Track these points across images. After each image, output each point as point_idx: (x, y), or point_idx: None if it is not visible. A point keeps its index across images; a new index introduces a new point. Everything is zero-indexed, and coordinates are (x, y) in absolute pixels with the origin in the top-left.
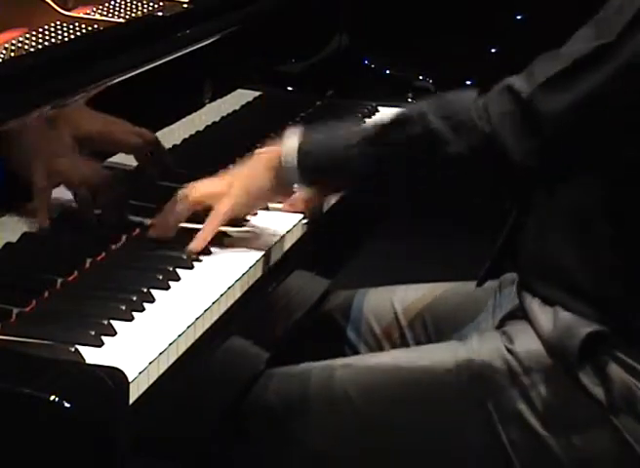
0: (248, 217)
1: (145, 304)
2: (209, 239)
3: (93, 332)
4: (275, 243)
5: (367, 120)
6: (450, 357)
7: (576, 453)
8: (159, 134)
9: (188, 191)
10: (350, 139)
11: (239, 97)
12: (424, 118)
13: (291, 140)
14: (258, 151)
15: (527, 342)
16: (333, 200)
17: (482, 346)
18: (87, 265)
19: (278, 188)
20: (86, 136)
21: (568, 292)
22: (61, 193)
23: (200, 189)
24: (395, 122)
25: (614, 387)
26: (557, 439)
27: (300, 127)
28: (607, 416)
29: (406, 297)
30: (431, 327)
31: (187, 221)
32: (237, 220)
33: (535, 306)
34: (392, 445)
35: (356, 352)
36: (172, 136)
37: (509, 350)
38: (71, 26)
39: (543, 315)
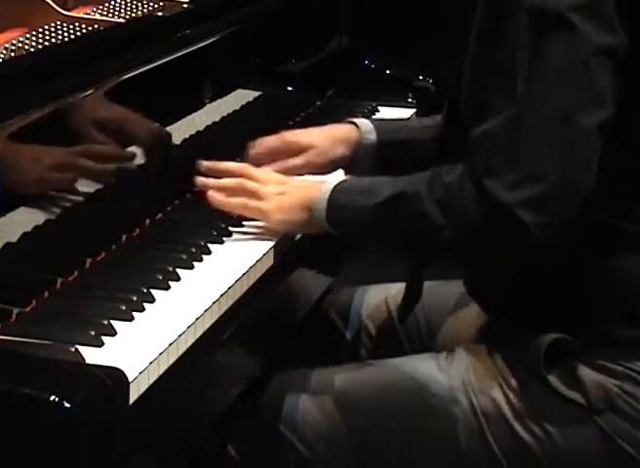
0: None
1: (145, 304)
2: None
3: (93, 332)
4: (276, 243)
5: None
6: (441, 373)
7: (562, 456)
8: None
9: (245, 176)
10: (368, 200)
11: (239, 98)
12: (419, 199)
13: (328, 185)
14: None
15: (502, 352)
16: None
17: (469, 360)
18: (87, 265)
19: (312, 228)
20: (104, 125)
21: (525, 306)
22: (62, 192)
23: (251, 185)
24: (395, 198)
25: (589, 390)
26: (542, 443)
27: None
28: (589, 416)
29: (400, 296)
30: (424, 325)
31: None
32: (237, 220)
33: (503, 321)
34: (386, 454)
35: (354, 352)
36: (171, 136)
37: (492, 362)
38: (71, 26)
39: (510, 333)
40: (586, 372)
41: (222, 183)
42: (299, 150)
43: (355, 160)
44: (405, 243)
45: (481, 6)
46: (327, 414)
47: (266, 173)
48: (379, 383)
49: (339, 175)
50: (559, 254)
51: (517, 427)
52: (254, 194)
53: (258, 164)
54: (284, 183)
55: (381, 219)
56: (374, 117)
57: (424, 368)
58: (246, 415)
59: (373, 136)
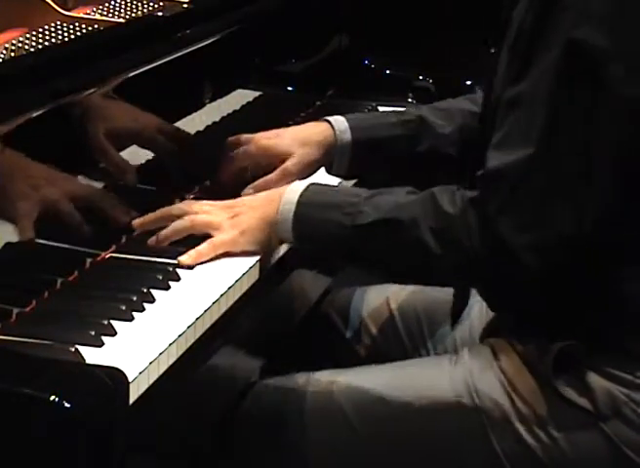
0: None
1: (145, 304)
2: (201, 260)
3: (93, 332)
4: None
5: None
6: (444, 376)
7: (567, 462)
8: None
9: (190, 214)
10: (345, 218)
11: (239, 97)
12: (416, 227)
13: (290, 195)
14: (261, 190)
15: (509, 357)
16: None
17: (473, 363)
18: (87, 265)
19: (275, 240)
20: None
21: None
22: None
23: (202, 219)
24: (387, 223)
25: (597, 396)
26: (547, 448)
27: (300, 183)
28: (595, 423)
29: (401, 296)
30: (425, 325)
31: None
32: None
33: (510, 324)
34: (390, 457)
35: (354, 352)
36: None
37: (498, 365)
38: (71, 26)
39: (517, 336)
40: (595, 379)
41: (171, 233)
42: (275, 158)
43: (330, 160)
44: (391, 269)
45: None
46: (329, 417)
47: (204, 203)
48: (382, 387)
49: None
50: (560, 292)
51: (522, 431)
52: (210, 228)
53: (232, 174)
54: (233, 206)
55: (365, 243)
56: (349, 114)
57: (428, 371)
58: (245, 416)
59: (348, 136)
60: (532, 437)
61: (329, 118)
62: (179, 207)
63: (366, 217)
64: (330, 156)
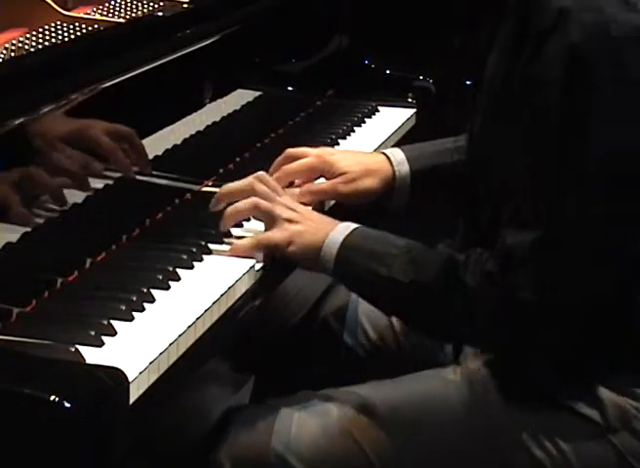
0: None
1: (145, 304)
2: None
3: (93, 332)
4: None
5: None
6: (451, 390)
7: None
8: (159, 134)
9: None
10: (381, 269)
11: (239, 97)
12: (441, 296)
13: (335, 237)
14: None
15: (517, 370)
16: (330, 203)
17: (480, 374)
18: (87, 265)
19: (312, 268)
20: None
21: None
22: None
23: (265, 206)
24: (413, 283)
25: (606, 408)
26: (555, 461)
27: (347, 225)
28: (604, 435)
29: None
30: None
31: None
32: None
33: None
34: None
35: (352, 354)
36: (172, 135)
37: (506, 377)
38: (71, 26)
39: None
40: (605, 393)
41: (234, 212)
42: (330, 172)
43: (390, 193)
44: (416, 321)
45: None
46: (326, 433)
47: (275, 193)
48: (387, 404)
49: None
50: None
51: (531, 445)
52: (268, 214)
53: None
54: (295, 210)
55: (394, 295)
56: (404, 146)
57: (433, 385)
58: (238, 426)
59: (406, 168)
60: (541, 450)
61: (386, 151)
62: (249, 181)
63: (400, 273)
64: (386, 188)
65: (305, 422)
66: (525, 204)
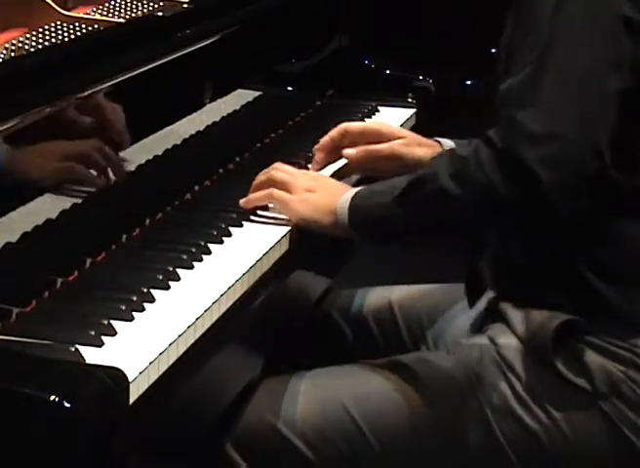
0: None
1: (145, 304)
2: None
3: (93, 332)
4: (275, 244)
5: (367, 120)
6: (443, 366)
7: (568, 443)
8: (159, 134)
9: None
10: (387, 196)
11: (239, 97)
12: (436, 177)
13: (348, 194)
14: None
15: (508, 341)
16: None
17: (471, 350)
18: (87, 265)
19: (334, 231)
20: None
21: (537, 286)
22: (61, 194)
23: (281, 176)
24: (412, 184)
25: (594, 374)
26: (547, 430)
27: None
28: (594, 402)
29: (404, 298)
30: (428, 327)
31: None
32: (237, 221)
33: (508, 309)
34: (393, 452)
35: (355, 352)
36: (172, 136)
37: (496, 350)
38: (71, 26)
39: (516, 318)
40: (592, 357)
41: (254, 189)
42: (389, 136)
43: None
44: (427, 225)
45: None
46: (330, 414)
47: (297, 170)
48: (384, 383)
49: None
50: (572, 218)
51: (522, 414)
52: (282, 185)
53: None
54: (315, 180)
55: (400, 210)
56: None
57: (429, 366)
58: (246, 416)
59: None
60: (532, 419)
61: (438, 138)
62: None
63: (399, 189)
64: None
65: (310, 405)
66: (515, 53)
